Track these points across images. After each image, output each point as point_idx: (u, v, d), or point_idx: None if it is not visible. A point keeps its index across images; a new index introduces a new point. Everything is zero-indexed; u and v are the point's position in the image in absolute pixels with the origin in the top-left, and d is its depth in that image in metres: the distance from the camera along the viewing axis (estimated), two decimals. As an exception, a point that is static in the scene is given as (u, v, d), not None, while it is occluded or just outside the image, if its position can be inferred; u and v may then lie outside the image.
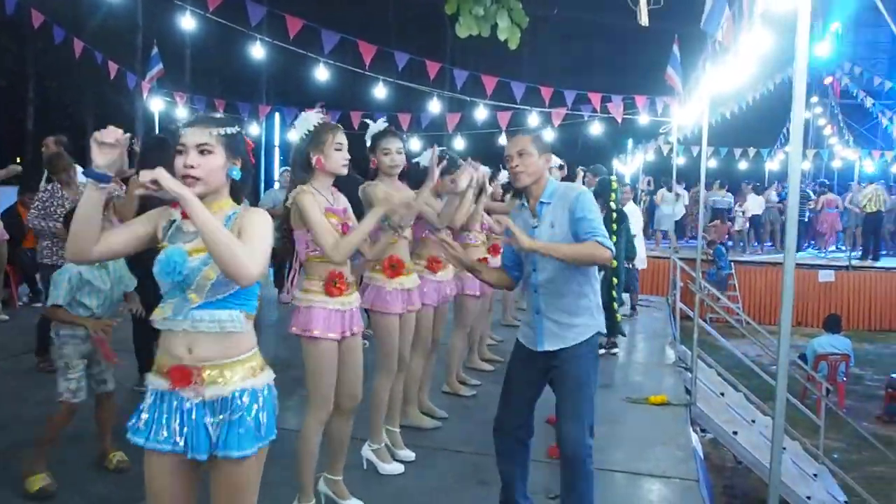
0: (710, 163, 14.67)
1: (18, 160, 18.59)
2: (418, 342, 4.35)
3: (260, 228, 2.10)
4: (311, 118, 3.14)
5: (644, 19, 3.88)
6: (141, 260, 2.49)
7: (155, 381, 2.11)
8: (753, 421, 6.69)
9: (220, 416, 2.07)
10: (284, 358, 5.68)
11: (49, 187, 5.46)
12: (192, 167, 2.08)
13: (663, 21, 5.65)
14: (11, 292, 8.00)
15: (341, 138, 3.13)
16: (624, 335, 7.43)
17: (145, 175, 1.94)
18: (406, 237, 3.91)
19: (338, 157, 3.10)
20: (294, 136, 3.21)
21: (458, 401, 5.28)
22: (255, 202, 9.15)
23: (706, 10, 5.10)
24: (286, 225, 3.17)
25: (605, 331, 3.25)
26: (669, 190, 16.63)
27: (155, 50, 11.01)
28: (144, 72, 11.65)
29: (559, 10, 21.67)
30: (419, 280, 4.03)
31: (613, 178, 6.82)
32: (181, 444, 2.07)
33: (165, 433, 2.07)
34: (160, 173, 1.94)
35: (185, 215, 2.15)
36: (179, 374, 2.06)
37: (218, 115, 2.27)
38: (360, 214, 3.29)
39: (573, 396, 3.09)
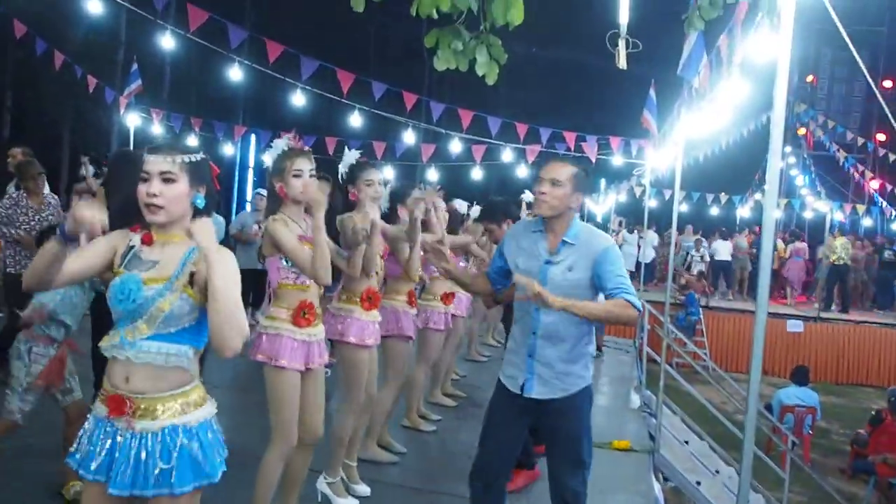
0: (681, 207, 14.81)
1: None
2: (395, 374, 4.32)
3: (235, 276, 2.03)
4: (279, 146, 3.11)
5: (622, 62, 3.87)
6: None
7: (97, 407, 2.09)
8: (717, 471, 6.63)
9: (151, 452, 2.00)
10: (244, 381, 5.53)
11: (15, 195, 5.37)
12: (155, 195, 2.04)
13: (641, 65, 5.69)
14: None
15: (300, 164, 3.05)
16: None
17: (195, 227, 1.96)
18: (377, 272, 3.85)
19: (296, 184, 3.04)
20: (268, 161, 3.15)
21: (418, 436, 5.17)
22: (227, 223, 9.03)
23: (684, 56, 5.14)
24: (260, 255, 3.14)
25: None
26: (630, 231, 16.74)
27: (135, 66, 10.92)
28: (123, 87, 11.54)
29: (538, 49, 21.98)
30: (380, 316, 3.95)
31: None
32: (104, 475, 2.00)
33: (96, 463, 2.02)
34: (197, 227, 1.96)
35: (145, 241, 2.12)
36: (115, 402, 2.03)
37: (182, 142, 2.21)
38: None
39: (572, 452, 2.95)
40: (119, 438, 2.01)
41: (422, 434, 5.22)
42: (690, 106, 5.69)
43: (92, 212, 1.92)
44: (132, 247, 2.12)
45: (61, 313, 3.51)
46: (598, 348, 9.19)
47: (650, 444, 5.70)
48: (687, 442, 6.97)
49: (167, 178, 2.05)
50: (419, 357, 5.19)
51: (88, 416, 2.12)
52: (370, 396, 3.94)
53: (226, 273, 1.96)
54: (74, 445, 2.07)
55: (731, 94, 4.59)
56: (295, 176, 3.03)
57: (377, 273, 3.85)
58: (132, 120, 11.65)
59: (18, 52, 15.38)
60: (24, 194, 5.37)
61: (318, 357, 3.14)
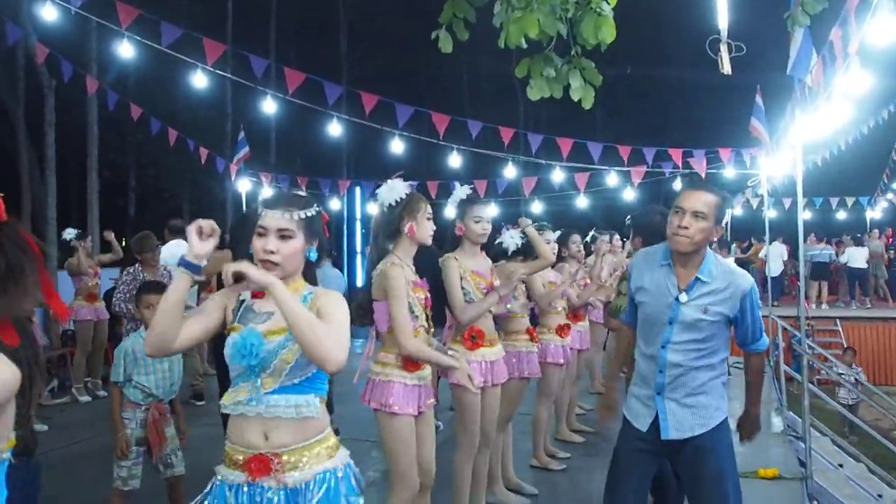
0: (804, 214, 14.00)
1: (122, 244, 19.80)
2: (502, 415, 4.18)
3: (339, 311, 2.04)
4: (398, 186, 3.14)
5: (727, 67, 3.68)
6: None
7: (229, 475, 2.03)
8: (880, 496, 6.04)
9: (312, 500, 1.98)
10: (362, 431, 5.54)
11: (132, 270, 5.61)
12: (272, 252, 2.04)
13: (744, 72, 5.45)
14: (110, 368, 8.26)
15: (430, 210, 3.19)
16: None
17: (228, 268, 1.90)
18: (491, 311, 3.79)
19: (427, 227, 3.15)
20: (378, 203, 3.18)
21: (548, 475, 5.00)
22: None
23: (792, 55, 4.88)
24: (368, 297, 3.12)
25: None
26: (729, 248, 15.92)
27: (242, 134, 11.47)
28: (232, 155, 12.12)
29: (633, 68, 21.56)
30: (503, 352, 3.89)
31: None
32: None
33: None
34: (245, 266, 1.91)
35: (256, 295, 2.11)
36: (258, 463, 1.99)
37: (299, 195, 2.22)
38: (434, 286, 3.23)
39: (719, 492, 2.68)
40: (269, 496, 1.98)
41: (551, 473, 5.05)
42: (805, 107, 5.36)
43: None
44: (243, 301, 2.11)
45: (136, 376, 3.58)
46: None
47: (801, 470, 5.26)
48: (842, 465, 6.42)
49: (284, 235, 2.05)
50: (539, 393, 5.05)
51: (214, 484, 2.06)
52: (488, 437, 3.84)
53: (287, 294, 1.89)
54: None
55: (851, 87, 4.28)
56: (428, 219, 3.14)
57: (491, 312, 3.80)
58: (243, 185, 12.20)
59: (137, 134, 16.52)
60: (140, 268, 5.59)
61: (426, 400, 3.12)
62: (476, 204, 3.76)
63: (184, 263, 1.94)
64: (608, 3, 3.47)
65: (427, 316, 3.13)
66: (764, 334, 2.75)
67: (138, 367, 3.58)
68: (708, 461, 2.70)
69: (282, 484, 1.97)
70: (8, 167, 15.78)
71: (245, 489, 1.99)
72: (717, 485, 2.68)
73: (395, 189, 3.12)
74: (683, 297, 2.67)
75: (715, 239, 2.76)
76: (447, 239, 3.88)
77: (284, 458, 1.99)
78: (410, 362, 3.04)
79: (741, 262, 14.52)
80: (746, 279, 2.73)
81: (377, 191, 3.19)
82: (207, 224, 1.93)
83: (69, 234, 7.48)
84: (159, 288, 3.72)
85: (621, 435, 2.92)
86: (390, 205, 3.11)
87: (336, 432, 2.19)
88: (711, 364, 2.74)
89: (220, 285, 2.61)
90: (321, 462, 2.02)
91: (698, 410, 2.71)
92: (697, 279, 2.69)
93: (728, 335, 2.75)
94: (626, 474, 2.84)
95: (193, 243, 1.92)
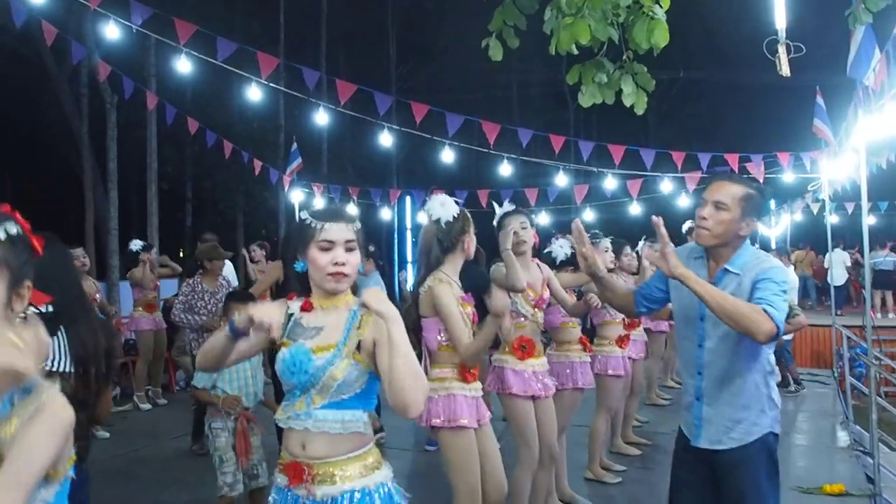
0: (869, 220, 13.43)
1: (180, 254, 20.30)
2: (556, 426, 4.14)
3: (408, 345, 1.96)
4: (449, 202, 3.14)
5: (785, 69, 3.57)
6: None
7: (279, 478, 2.09)
8: (954, 513, 5.74)
9: None
10: (401, 440, 5.53)
11: (191, 282, 5.67)
12: (343, 264, 2.04)
13: (802, 73, 5.28)
14: (170, 377, 8.48)
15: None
16: None
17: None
18: (537, 321, 3.75)
19: (475, 242, 3.20)
20: (432, 219, 3.15)
21: (603, 488, 4.92)
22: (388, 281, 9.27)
23: (851, 55, 4.72)
24: (415, 314, 3.11)
25: (778, 431, 2.62)
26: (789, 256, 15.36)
27: (294, 145, 11.64)
28: (285, 166, 12.31)
29: (686, 71, 21.18)
30: (547, 364, 3.83)
31: None
32: None
33: None
34: (370, 297, 1.91)
35: (304, 308, 2.11)
36: (294, 470, 2.01)
37: (348, 209, 2.25)
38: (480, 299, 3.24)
39: None
40: None
41: (606, 486, 4.96)
42: (868, 107, 5.16)
43: (267, 311, 1.98)
44: (291, 315, 2.11)
45: (220, 383, 3.67)
46: (797, 381, 8.43)
47: (869, 486, 5.05)
48: (913, 482, 6.13)
49: (350, 247, 2.07)
50: (598, 405, 4.99)
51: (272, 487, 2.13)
52: (553, 451, 3.78)
53: (402, 331, 1.90)
54: None
55: (918, 86, 4.11)
56: (475, 234, 3.19)
57: (537, 324, 3.77)
58: (296, 196, 12.38)
59: (194, 147, 16.91)
60: (200, 280, 5.63)
61: (485, 411, 3.10)
62: (507, 215, 3.77)
63: (231, 328, 2.03)
64: (661, 7, 3.41)
65: (474, 331, 3.11)
66: (779, 313, 2.35)
67: (221, 374, 3.65)
68: (731, 479, 2.53)
69: (311, 495, 1.99)
70: (73, 181, 16.35)
71: (285, 494, 2.05)
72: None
73: (447, 205, 3.12)
74: None
75: (744, 233, 2.56)
76: (493, 250, 3.86)
77: (316, 469, 1.99)
78: (468, 373, 3.02)
79: None
80: (767, 263, 2.52)
81: (428, 205, 3.18)
82: (258, 318, 1.97)
83: (136, 245, 7.73)
84: (246, 298, 3.87)
85: (675, 442, 2.80)
86: (448, 221, 3.10)
87: (379, 430, 2.20)
88: (748, 367, 2.53)
89: (275, 295, 2.66)
90: (353, 480, 2.00)
91: (732, 421, 2.53)
92: (726, 270, 2.55)
93: None
94: (678, 481, 2.71)
95: (241, 319, 2.00)
